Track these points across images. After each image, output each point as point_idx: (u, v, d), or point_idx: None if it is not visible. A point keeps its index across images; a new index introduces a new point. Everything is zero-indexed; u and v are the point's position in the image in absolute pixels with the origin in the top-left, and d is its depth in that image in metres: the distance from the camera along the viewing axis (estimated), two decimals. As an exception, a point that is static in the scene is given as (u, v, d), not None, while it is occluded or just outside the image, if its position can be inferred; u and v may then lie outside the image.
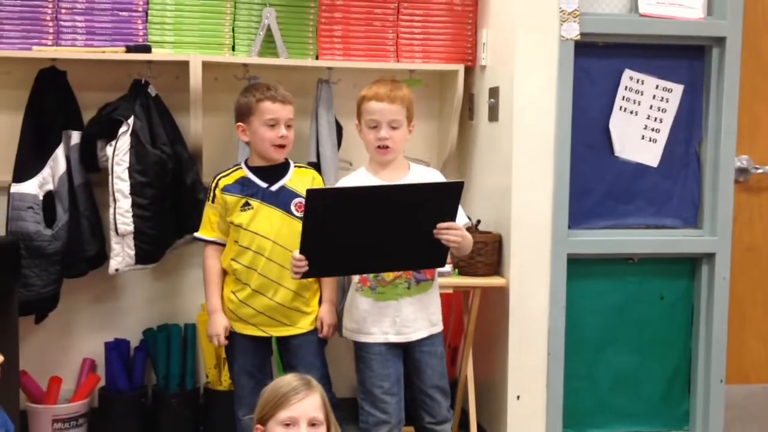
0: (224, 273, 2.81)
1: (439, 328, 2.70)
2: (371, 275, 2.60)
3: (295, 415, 1.91)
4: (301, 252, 2.40)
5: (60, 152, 3.10)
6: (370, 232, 2.40)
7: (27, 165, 3.08)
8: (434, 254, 2.51)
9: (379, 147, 2.60)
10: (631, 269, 3.20)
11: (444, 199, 2.45)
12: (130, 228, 3.06)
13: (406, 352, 2.66)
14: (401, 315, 2.61)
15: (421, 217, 2.44)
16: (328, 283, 2.82)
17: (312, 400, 1.94)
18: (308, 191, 2.36)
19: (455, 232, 2.47)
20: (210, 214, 2.80)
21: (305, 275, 2.45)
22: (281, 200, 2.75)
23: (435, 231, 2.45)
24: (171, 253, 3.31)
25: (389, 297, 2.61)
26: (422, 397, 2.66)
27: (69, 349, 3.40)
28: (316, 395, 1.95)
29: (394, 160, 2.65)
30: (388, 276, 2.60)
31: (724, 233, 3.19)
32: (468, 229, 3.15)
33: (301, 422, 1.91)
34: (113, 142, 3.07)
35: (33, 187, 3.05)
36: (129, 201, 3.06)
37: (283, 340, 2.81)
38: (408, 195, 2.45)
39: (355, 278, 2.65)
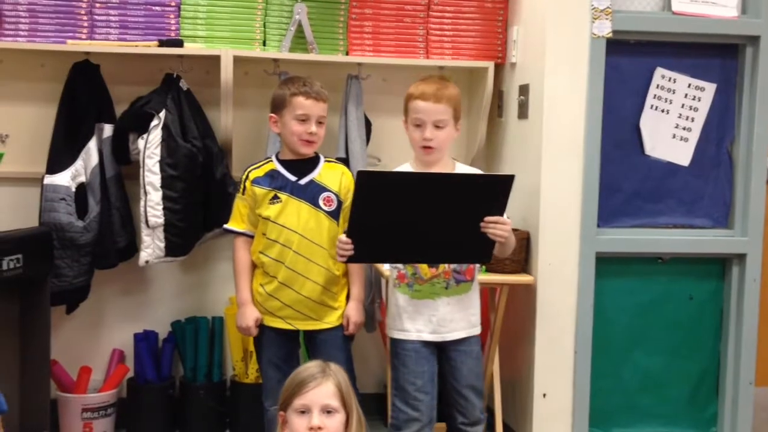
0: (254, 265, 2.83)
1: (478, 329, 2.67)
2: (409, 272, 2.59)
3: (308, 402, 1.91)
4: (348, 235, 2.39)
5: (92, 145, 3.14)
6: (418, 220, 2.38)
7: (60, 157, 3.12)
8: (480, 249, 2.47)
9: (423, 147, 2.57)
10: (660, 269, 3.17)
11: (493, 192, 2.40)
12: (161, 220, 3.10)
13: (442, 350, 2.63)
14: (438, 314, 2.59)
15: (469, 209, 2.40)
16: (357, 281, 2.82)
17: (326, 387, 1.93)
18: (359, 173, 2.35)
19: (503, 226, 2.42)
20: (240, 206, 2.82)
21: (350, 259, 2.43)
22: (309, 194, 2.76)
23: (482, 224, 2.40)
24: (200, 246, 3.34)
25: (426, 295, 2.59)
26: (456, 397, 2.63)
27: (99, 339, 3.44)
28: (330, 383, 1.94)
29: (440, 160, 2.62)
30: (426, 274, 2.58)
31: (756, 234, 3.15)
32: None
33: (313, 410, 1.91)
34: (145, 136, 3.10)
35: (66, 179, 3.09)
36: (160, 194, 3.09)
37: (309, 334, 2.82)
38: (458, 185, 2.43)
39: (393, 274, 2.63)
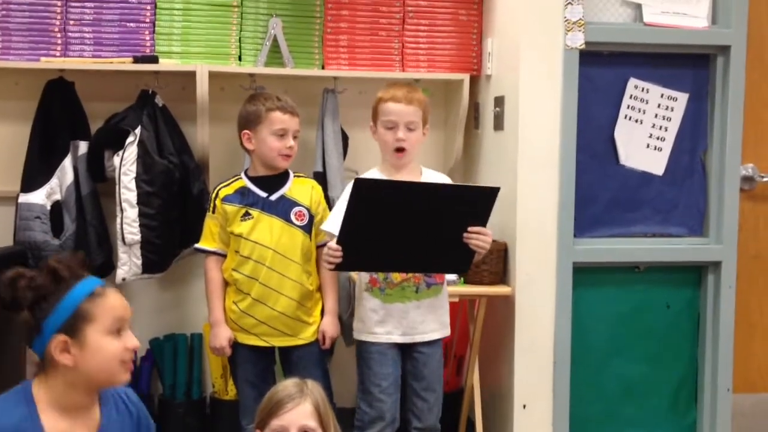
0: (226, 284, 2.82)
1: (447, 330, 2.73)
2: (381, 276, 2.62)
3: (285, 424, 1.90)
4: (338, 242, 2.41)
5: (68, 162, 3.12)
6: (405, 229, 2.42)
7: (35, 175, 3.10)
8: (460, 258, 2.52)
9: (396, 149, 2.63)
10: (636, 278, 3.19)
11: (478, 203, 2.46)
12: (137, 237, 3.08)
13: (406, 352, 2.68)
14: (408, 318, 2.63)
15: (454, 219, 2.45)
16: (331, 294, 2.82)
17: (303, 408, 1.92)
18: (356, 180, 2.37)
19: (485, 237, 2.49)
20: (211, 224, 2.82)
21: (338, 267, 2.45)
22: (281, 209, 2.77)
23: (465, 235, 2.45)
24: (178, 263, 3.32)
25: (396, 299, 2.63)
26: (415, 399, 2.68)
27: (76, 358, 3.40)
28: (308, 403, 1.93)
29: (410, 163, 2.68)
30: (396, 278, 2.62)
31: (730, 241, 3.18)
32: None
33: (291, 431, 1.90)
34: (120, 152, 3.08)
35: (41, 197, 3.07)
36: (136, 210, 3.07)
37: (284, 351, 2.82)
38: (448, 194, 2.49)
39: (365, 278, 2.66)
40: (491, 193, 2.47)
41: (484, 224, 2.49)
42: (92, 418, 1.80)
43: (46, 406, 1.73)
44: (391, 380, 2.64)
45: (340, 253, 2.41)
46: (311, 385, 1.99)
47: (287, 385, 1.98)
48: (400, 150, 2.64)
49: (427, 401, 2.68)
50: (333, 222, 2.59)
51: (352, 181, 2.41)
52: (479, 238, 2.47)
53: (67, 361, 1.72)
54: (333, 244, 2.43)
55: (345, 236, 2.41)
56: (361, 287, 2.69)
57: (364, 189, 2.37)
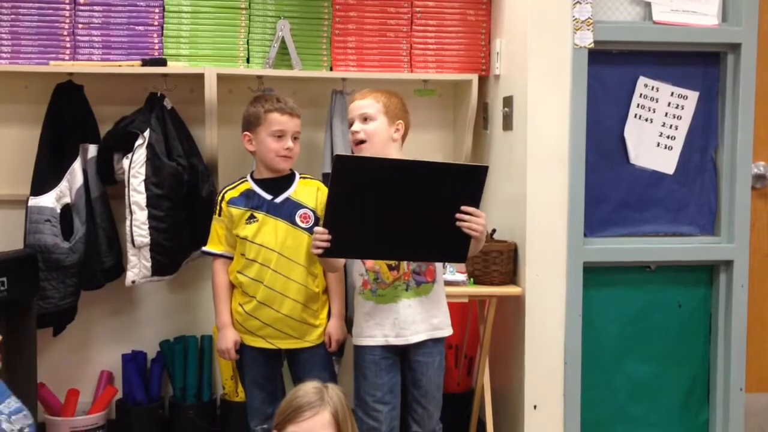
0: (233, 286, 2.81)
1: (441, 333, 2.65)
2: (371, 278, 2.59)
3: None
4: (324, 225, 2.34)
5: (77, 165, 3.13)
6: (393, 210, 2.33)
7: (45, 178, 3.11)
8: (455, 245, 2.41)
9: (354, 142, 2.63)
10: (648, 277, 3.17)
11: (468, 183, 2.36)
12: (147, 240, 3.08)
13: (405, 357, 2.64)
14: (400, 316, 2.59)
15: (444, 200, 2.35)
16: (337, 297, 2.81)
17: (321, 418, 1.91)
18: (336, 156, 2.31)
19: (478, 220, 2.38)
20: (217, 227, 2.82)
21: (326, 252, 2.36)
22: (285, 212, 2.76)
23: (458, 216, 2.36)
24: (187, 265, 3.33)
25: (390, 299, 2.59)
26: (414, 406, 2.65)
27: (86, 361, 3.42)
28: (327, 413, 1.92)
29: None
30: (388, 278, 2.59)
31: (742, 240, 3.16)
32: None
33: None
34: (129, 155, 3.09)
35: (50, 200, 3.08)
36: (145, 213, 3.08)
37: (291, 353, 2.81)
38: (435, 171, 2.37)
39: (358, 282, 2.64)
40: (481, 171, 2.37)
41: (476, 205, 2.39)
42: None
43: None
44: (386, 389, 2.59)
45: (327, 236, 2.32)
46: (332, 391, 1.97)
47: (308, 391, 1.96)
48: (359, 143, 2.62)
49: (426, 408, 2.65)
50: None
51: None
52: (472, 220, 2.36)
53: None
54: (320, 227, 2.35)
55: (331, 217, 2.32)
56: (356, 291, 2.66)
57: (346, 166, 2.28)
